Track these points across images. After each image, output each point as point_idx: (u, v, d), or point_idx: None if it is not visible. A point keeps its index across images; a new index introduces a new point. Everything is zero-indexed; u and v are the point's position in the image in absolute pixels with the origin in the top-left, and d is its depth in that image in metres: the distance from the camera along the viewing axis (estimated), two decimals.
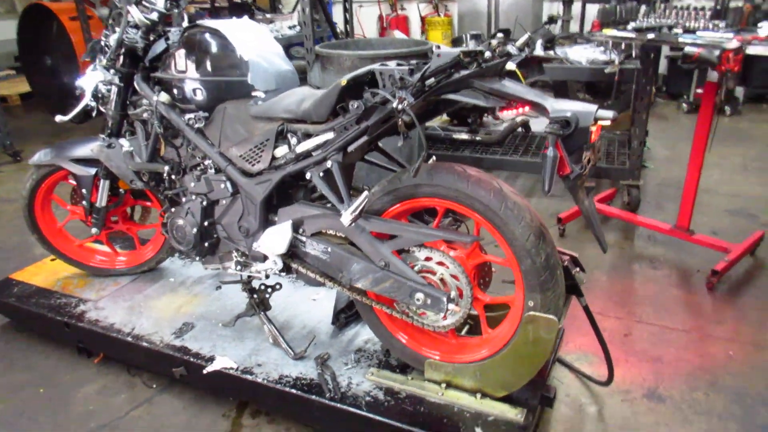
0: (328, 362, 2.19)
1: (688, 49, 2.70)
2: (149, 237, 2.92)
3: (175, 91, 2.12)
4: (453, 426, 1.87)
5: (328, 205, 2.01)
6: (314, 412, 2.05)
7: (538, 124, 4.75)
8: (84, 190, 2.55)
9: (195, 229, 2.18)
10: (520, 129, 4.31)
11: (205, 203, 2.18)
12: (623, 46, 3.54)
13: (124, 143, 2.32)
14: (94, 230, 2.64)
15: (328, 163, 1.89)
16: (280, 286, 2.35)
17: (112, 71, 2.21)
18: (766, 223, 3.78)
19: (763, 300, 2.93)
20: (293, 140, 1.96)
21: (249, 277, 2.31)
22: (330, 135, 1.87)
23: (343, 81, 1.75)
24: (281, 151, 1.99)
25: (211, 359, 2.24)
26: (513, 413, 1.89)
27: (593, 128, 1.56)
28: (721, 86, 2.90)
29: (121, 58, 2.21)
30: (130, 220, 2.83)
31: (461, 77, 1.64)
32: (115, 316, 2.55)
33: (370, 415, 1.94)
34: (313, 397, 2.03)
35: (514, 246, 1.74)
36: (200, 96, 2.09)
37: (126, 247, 3.02)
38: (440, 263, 1.85)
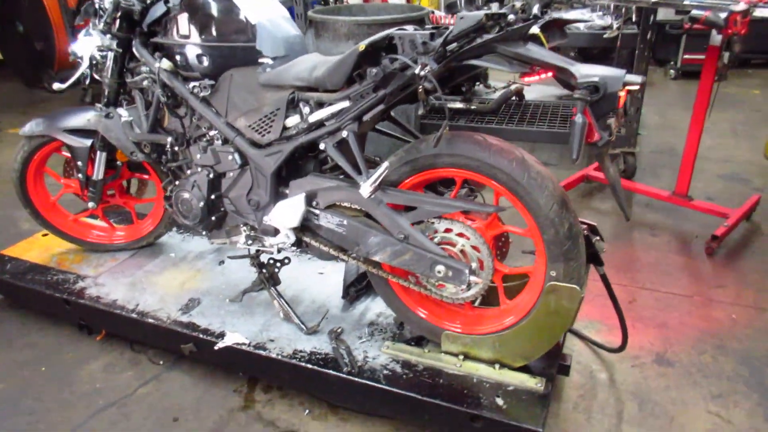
0: (341, 336, 2.16)
1: (694, 12, 2.67)
2: (146, 211, 2.83)
3: (177, 57, 2.03)
4: (473, 397, 1.87)
5: (342, 176, 1.96)
6: (331, 387, 2.03)
7: (532, 93, 4.73)
8: (80, 163, 2.45)
9: (202, 203, 2.11)
10: (514, 97, 4.26)
11: (211, 176, 2.10)
12: (623, 11, 3.49)
13: (123, 113, 2.22)
14: (90, 204, 2.55)
15: (344, 133, 1.83)
16: (289, 260, 2.31)
17: (108, 36, 2.09)
18: (758, 187, 3.82)
19: (762, 263, 2.98)
20: (305, 109, 1.89)
21: (257, 251, 2.26)
22: (345, 103, 1.80)
23: (361, 46, 1.68)
24: (292, 120, 1.92)
25: (222, 335, 2.20)
26: (533, 382, 1.89)
27: (621, 93, 1.53)
28: (723, 50, 2.89)
29: (117, 21, 2.09)
30: (126, 194, 2.74)
31: (485, 41, 1.59)
32: (117, 293, 2.48)
33: (389, 388, 1.92)
34: (330, 371, 2.00)
35: (537, 216, 1.72)
36: (205, 63, 1.99)
37: (122, 221, 2.93)
38: (460, 234, 1.82)
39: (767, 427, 2.02)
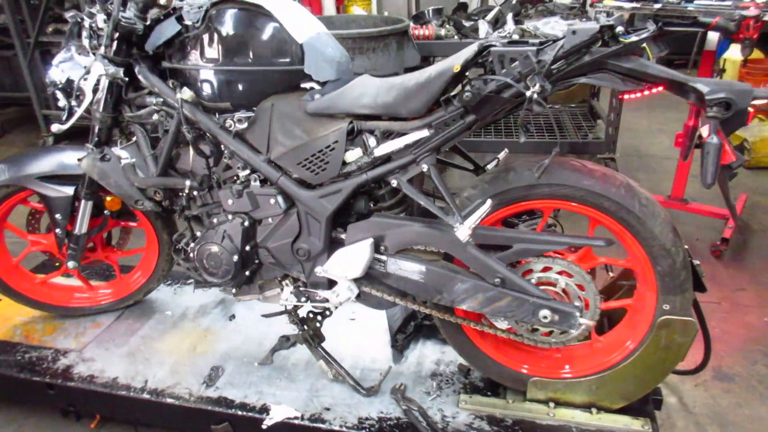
0: (407, 394, 1.89)
1: (703, 18, 2.65)
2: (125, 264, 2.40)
3: (200, 86, 1.68)
4: None
5: (407, 215, 1.70)
6: None
7: None
8: (57, 215, 2.00)
9: (235, 257, 1.76)
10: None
11: (246, 224, 1.77)
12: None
13: (123, 154, 1.82)
14: (71, 264, 2.10)
15: (423, 167, 1.58)
16: (331, 312, 2.00)
17: (106, 62, 1.69)
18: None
19: (766, 260, 3.03)
20: (370, 141, 1.61)
21: (294, 306, 1.94)
22: (424, 133, 1.55)
23: (457, 66, 1.44)
24: (353, 155, 1.64)
25: (265, 409, 1.86)
26: (638, 425, 1.73)
27: (750, 109, 1.40)
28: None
29: (115, 44, 1.70)
30: (108, 246, 2.30)
31: (597, 57, 1.40)
32: (114, 368, 2.06)
33: None
34: None
35: (650, 246, 1.56)
36: (238, 91, 1.66)
37: (92, 276, 2.47)
38: (563, 273, 1.62)
39: None
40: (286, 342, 2.13)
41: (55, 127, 1.77)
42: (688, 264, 1.59)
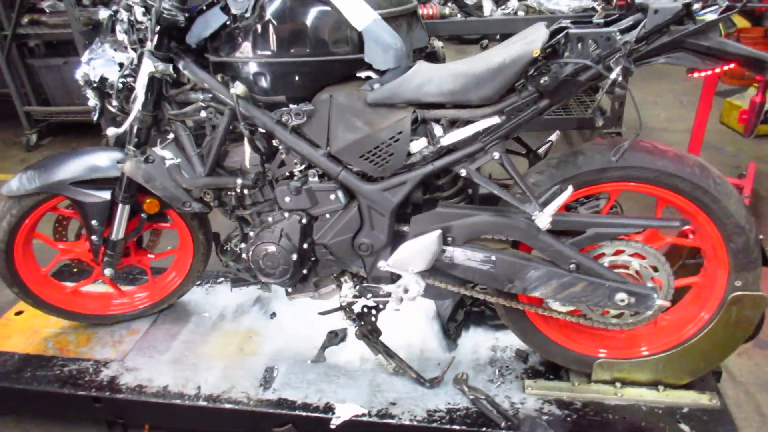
0: (471, 383, 1.88)
1: None
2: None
3: (252, 79, 1.60)
4: (655, 428, 1.69)
5: (471, 204, 1.66)
6: None
7: None
8: (94, 222, 1.90)
9: (294, 255, 1.70)
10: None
11: (304, 221, 1.71)
12: None
13: (166, 154, 1.73)
14: (107, 271, 2.01)
15: (495, 155, 1.54)
16: (384, 305, 1.96)
17: (153, 57, 1.59)
18: (734, 153, 4.02)
19: None
20: (437, 130, 1.56)
21: (349, 303, 1.90)
22: (494, 120, 1.51)
23: (536, 51, 1.39)
24: (418, 145, 1.58)
25: (330, 408, 1.82)
26: (706, 399, 1.75)
27: None
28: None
29: (156, 38, 1.60)
30: (141, 250, 2.21)
31: (678, 37, 1.38)
32: (162, 376, 1.99)
33: None
34: (484, 429, 1.72)
35: (724, 224, 1.56)
36: (293, 84, 1.59)
37: (122, 282, 2.37)
38: (636, 255, 1.61)
39: None
40: (334, 338, 2.10)
41: (111, 131, 1.67)
42: (760, 240, 1.60)
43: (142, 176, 1.73)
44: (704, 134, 3.29)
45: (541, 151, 1.85)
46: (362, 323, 1.91)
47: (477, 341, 2.07)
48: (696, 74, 1.49)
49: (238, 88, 1.58)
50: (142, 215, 1.98)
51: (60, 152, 1.95)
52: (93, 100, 1.76)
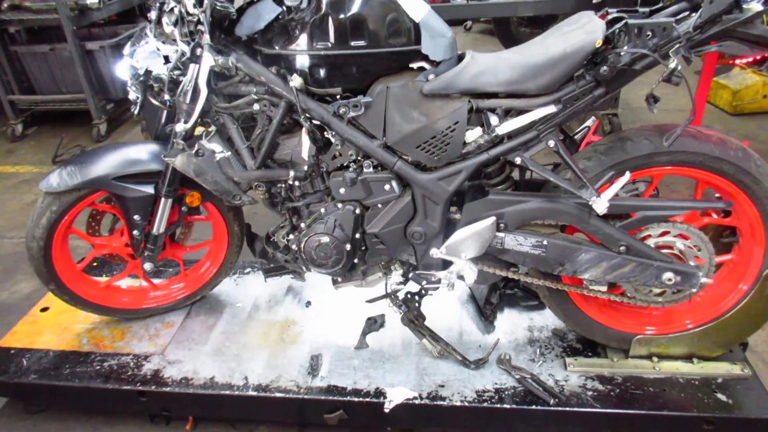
0: (513, 363, 1.94)
1: None
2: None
3: (308, 71, 1.60)
4: (694, 399, 1.78)
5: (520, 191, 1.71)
6: (534, 423, 1.82)
7: None
8: (136, 216, 1.89)
9: (348, 245, 1.73)
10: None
11: (357, 211, 1.73)
12: None
13: (217, 147, 1.72)
14: (147, 266, 2.00)
15: (550, 143, 1.59)
16: (426, 291, 2.00)
17: (213, 51, 1.57)
18: (722, 131, 4.16)
19: None
20: (493, 119, 1.60)
21: (393, 290, 1.93)
22: (551, 109, 1.55)
23: (599, 41, 1.44)
24: (473, 134, 1.62)
25: (380, 393, 1.87)
26: (738, 369, 1.86)
27: None
28: None
29: (208, 30, 1.58)
30: (175, 242, 2.19)
31: (729, 26, 1.44)
32: (207, 368, 2.00)
33: (608, 410, 1.77)
34: (534, 407, 1.79)
35: (764, 203, 1.65)
36: (350, 76, 1.60)
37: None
38: (681, 236, 1.69)
39: None
40: (374, 324, 2.14)
41: (180, 127, 1.65)
42: None
43: (193, 170, 1.72)
44: (702, 117, 3.41)
45: (577, 137, 1.91)
46: (408, 309, 1.95)
47: (513, 322, 2.14)
48: (738, 61, 1.56)
49: (296, 80, 1.58)
50: (183, 208, 1.97)
51: (99, 146, 1.92)
52: (134, 93, 1.73)
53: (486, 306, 2.16)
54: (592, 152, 1.69)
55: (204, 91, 1.60)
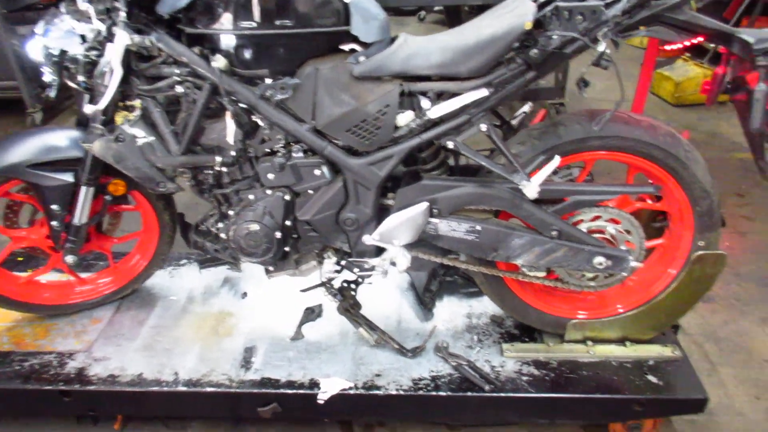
0: (450, 350, 1.93)
1: None
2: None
3: (233, 52, 1.53)
4: (625, 381, 1.80)
5: (454, 176, 1.69)
6: (471, 409, 1.81)
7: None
8: (54, 207, 1.78)
9: (278, 233, 1.68)
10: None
11: (288, 197, 1.68)
12: None
13: (138, 132, 1.63)
14: (70, 258, 1.89)
15: (482, 127, 1.57)
16: (363, 280, 1.96)
17: (128, 29, 1.48)
18: (665, 122, 4.26)
19: None
20: (424, 103, 1.57)
21: (329, 278, 1.89)
22: (482, 92, 1.53)
23: (528, 24, 1.42)
24: (405, 118, 1.58)
25: (315, 384, 1.82)
26: (669, 351, 1.89)
27: None
28: None
29: (124, 7, 1.50)
30: (101, 234, 2.09)
31: (658, 11, 1.44)
32: (135, 364, 1.91)
33: (542, 395, 1.78)
34: (470, 393, 1.78)
35: (692, 188, 1.67)
36: (277, 57, 1.54)
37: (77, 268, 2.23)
38: (612, 220, 1.70)
39: None
40: (311, 314, 2.09)
41: (90, 109, 1.55)
42: (721, 203, 1.72)
43: (112, 156, 1.63)
44: (644, 105, 3.48)
45: (514, 122, 1.90)
46: (343, 298, 1.91)
47: (452, 309, 2.12)
48: (668, 47, 1.57)
49: (220, 61, 1.51)
50: (106, 197, 1.87)
51: (13, 133, 1.80)
52: (50, 76, 1.63)
53: (425, 293, 2.14)
54: (526, 137, 1.68)
55: (118, 72, 1.51)
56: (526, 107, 1.92)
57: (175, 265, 2.40)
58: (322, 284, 1.90)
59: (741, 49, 1.48)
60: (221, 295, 2.24)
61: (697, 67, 4.38)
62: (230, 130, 1.60)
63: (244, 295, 2.23)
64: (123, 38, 1.47)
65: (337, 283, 1.94)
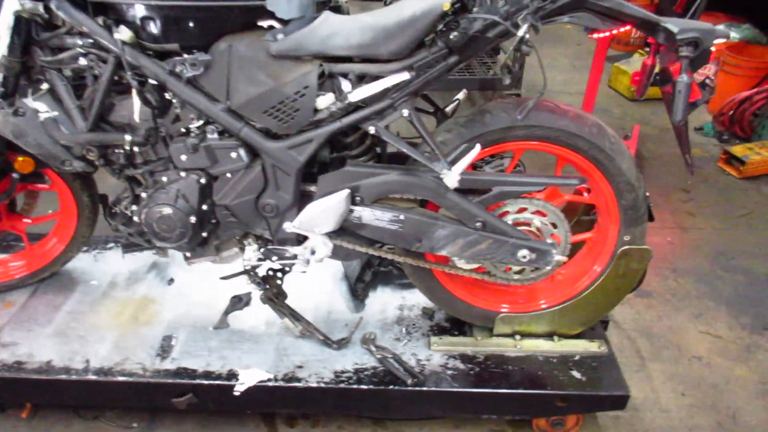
0: (378, 343, 1.88)
1: None
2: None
3: (140, 24, 1.44)
4: (550, 376, 1.79)
5: (380, 163, 1.64)
6: (394, 403, 1.77)
7: None
8: None
9: (192, 217, 1.60)
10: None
11: (203, 181, 1.60)
12: None
13: (40, 107, 1.53)
14: None
15: (404, 112, 1.51)
16: (290, 268, 1.89)
17: None
18: (620, 115, 4.28)
19: (659, 187, 3.35)
20: (345, 85, 1.50)
21: (253, 266, 1.82)
22: (404, 75, 1.47)
23: (447, 5, 1.36)
24: (325, 100, 1.52)
25: (233, 375, 1.76)
26: (595, 347, 1.88)
27: (713, 48, 1.49)
28: None
29: None
30: (14, 214, 1.98)
31: None
32: (44, 351, 1.82)
33: (465, 389, 1.75)
34: (392, 387, 1.74)
35: (617, 181, 1.64)
36: (188, 31, 1.45)
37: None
38: (538, 212, 1.67)
39: (746, 334, 2.32)
40: (238, 302, 2.02)
41: None
42: (647, 197, 1.70)
43: (11, 131, 1.53)
44: (595, 97, 3.47)
45: (448, 109, 1.85)
46: (267, 287, 1.85)
47: (385, 301, 2.08)
48: (595, 35, 1.53)
49: (124, 33, 1.42)
50: (14, 175, 1.77)
51: None
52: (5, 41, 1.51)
53: (357, 284, 2.09)
54: (452, 125, 1.63)
55: (6, 40, 1.41)
56: (461, 95, 1.87)
57: (101, 249, 2.30)
58: (245, 272, 1.83)
59: (665, 39, 1.44)
60: (146, 281, 2.15)
61: None
62: (136, 107, 1.51)
63: (171, 281, 2.15)
64: (12, 3, 1.37)
65: (263, 271, 1.87)
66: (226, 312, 1.98)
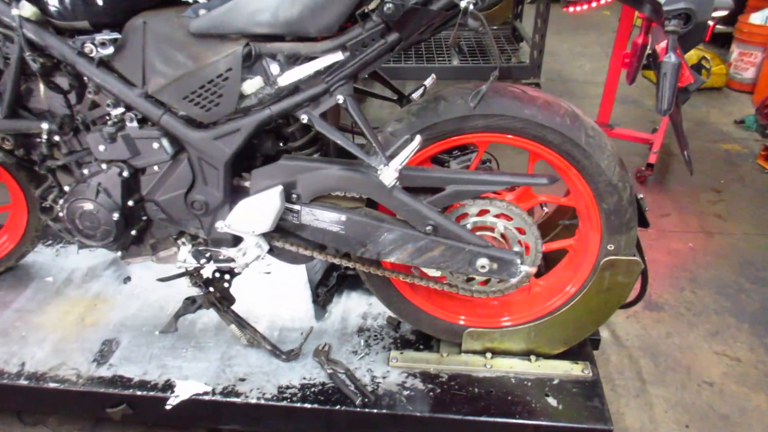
0: (332, 356, 1.70)
1: None
2: None
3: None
4: (521, 403, 1.56)
5: (321, 156, 1.45)
6: (340, 425, 1.59)
7: None
8: None
9: (116, 214, 1.45)
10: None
11: (126, 174, 1.45)
12: None
13: None
14: None
15: (339, 98, 1.31)
16: (240, 271, 1.73)
17: None
18: (652, 107, 3.93)
19: (687, 186, 3.03)
20: (273, 67, 1.32)
21: (196, 267, 1.67)
22: (338, 56, 1.28)
23: None
24: (253, 85, 1.34)
25: (170, 386, 1.62)
26: (578, 369, 1.64)
27: (710, 23, 1.23)
28: None
29: None
30: None
31: None
32: None
33: (419, 414, 1.54)
34: (337, 407, 1.56)
35: (596, 181, 1.40)
36: (98, 6, 1.30)
37: None
38: (501, 215, 1.44)
39: None
40: (191, 305, 1.85)
41: None
42: (634, 199, 1.45)
43: None
44: (617, 87, 3.17)
45: (414, 96, 1.65)
46: (210, 290, 1.69)
47: (348, 308, 1.89)
48: (571, 8, 1.30)
49: (24, 8, 1.28)
50: None
51: None
52: None
53: (319, 288, 1.91)
54: (404, 114, 1.42)
55: None
56: (428, 80, 1.67)
57: (64, 243, 2.21)
58: (186, 273, 1.68)
59: (652, 12, 1.20)
60: (103, 279, 2.04)
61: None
62: (41, 91, 1.37)
63: (127, 279, 2.03)
64: None
65: (209, 273, 1.72)
66: (177, 315, 1.82)
